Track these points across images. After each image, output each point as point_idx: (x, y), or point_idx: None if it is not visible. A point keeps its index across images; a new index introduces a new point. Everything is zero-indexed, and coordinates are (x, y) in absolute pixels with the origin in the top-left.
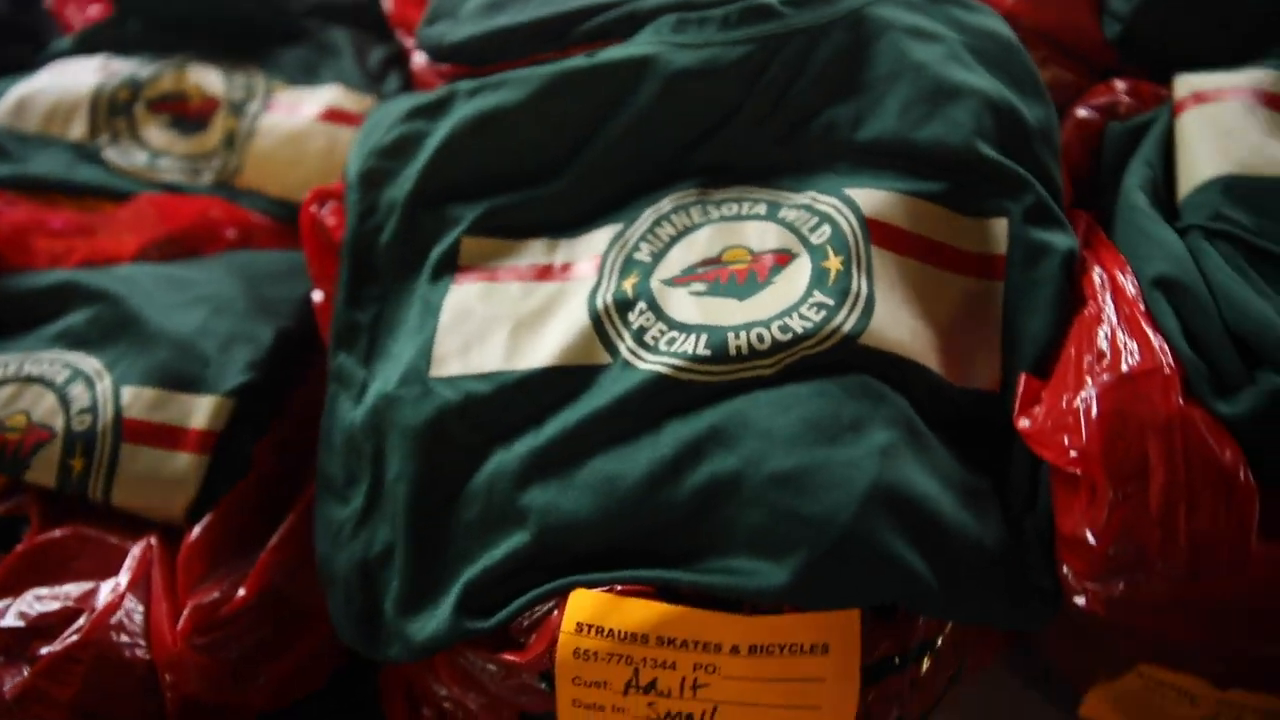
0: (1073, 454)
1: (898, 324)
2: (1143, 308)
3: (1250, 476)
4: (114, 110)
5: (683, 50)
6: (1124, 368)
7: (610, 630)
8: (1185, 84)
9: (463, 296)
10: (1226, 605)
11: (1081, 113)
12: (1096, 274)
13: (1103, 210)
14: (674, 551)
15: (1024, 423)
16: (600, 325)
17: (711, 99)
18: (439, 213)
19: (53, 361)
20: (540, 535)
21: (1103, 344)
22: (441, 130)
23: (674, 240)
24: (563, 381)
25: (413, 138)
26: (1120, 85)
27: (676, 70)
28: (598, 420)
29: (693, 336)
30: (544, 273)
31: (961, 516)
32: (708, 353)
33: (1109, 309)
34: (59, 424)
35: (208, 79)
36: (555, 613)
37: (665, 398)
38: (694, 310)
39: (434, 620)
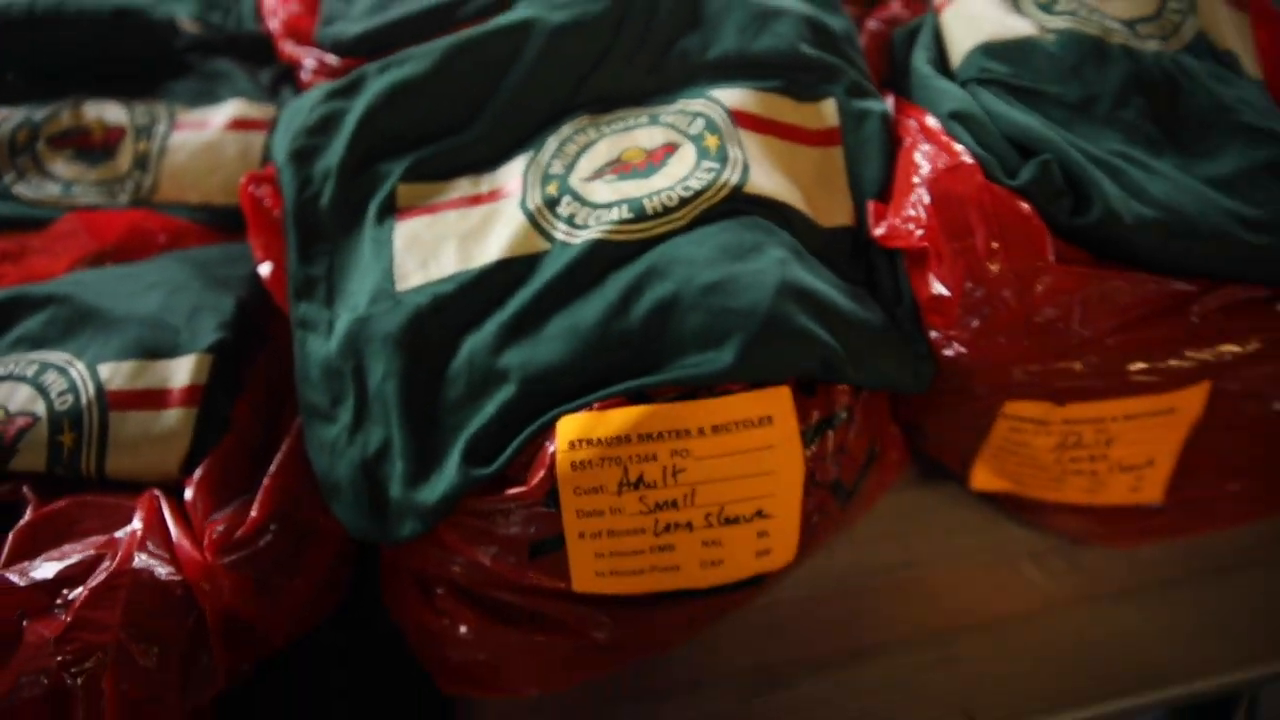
0: (919, 234)
1: (771, 179)
2: (945, 134)
3: (1040, 219)
4: (15, 150)
5: (556, 10)
6: (940, 166)
7: (598, 439)
8: None
9: (410, 228)
10: (1044, 321)
11: (872, 25)
12: (909, 123)
13: (900, 93)
14: (638, 368)
15: (879, 230)
16: (535, 221)
17: (586, 45)
18: (370, 171)
19: (17, 361)
20: (523, 385)
21: (921, 160)
22: (360, 104)
23: (579, 154)
24: (514, 269)
25: (334, 115)
26: (895, 3)
27: (554, 26)
28: (552, 288)
29: (615, 209)
30: (475, 199)
31: (850, 305)
32: (631, 215)
33: (921, 139)
34: (40, 408)
35: (108, 112)
36: (548, 445)
37: (603, 257)
38: (610, 193)
39: (443, 481)
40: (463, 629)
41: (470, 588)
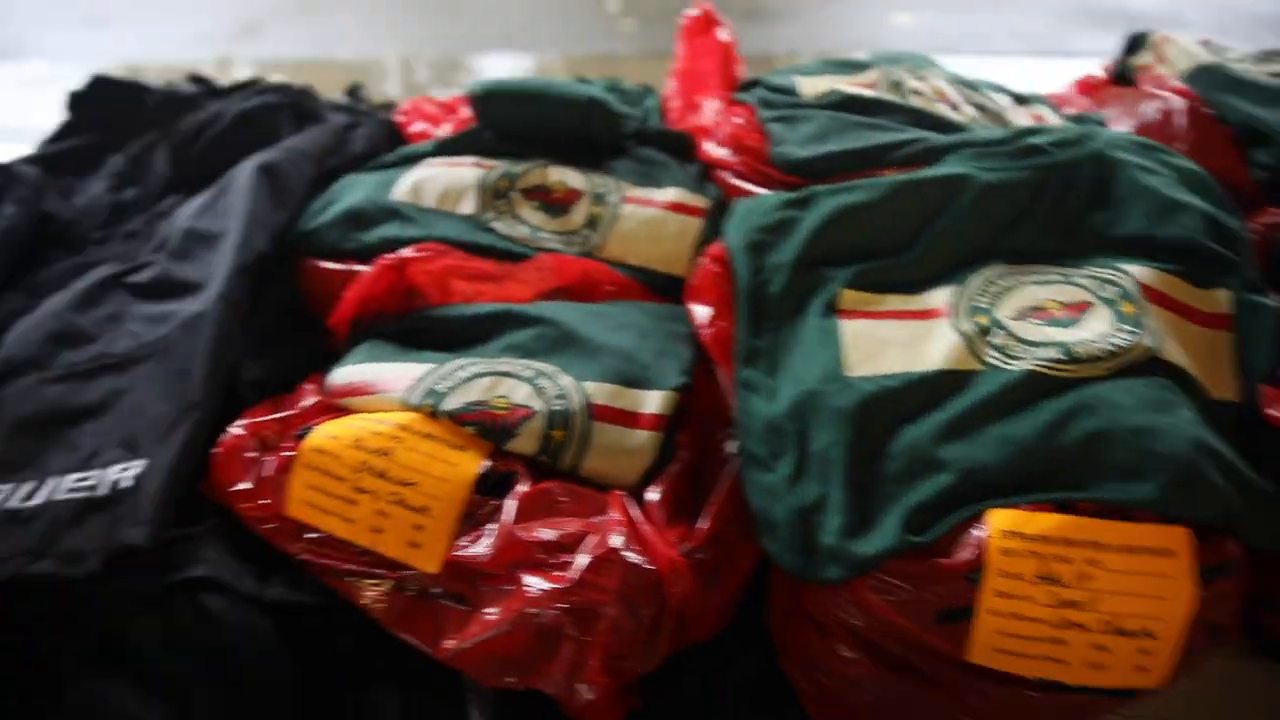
0: None
1: (1175, 349)
2: None
3: None
4: (496, 195)
5: (987, 172)
6: None
7: (1027, 534)
8: None
9: (854, 327)
10: None
11: (1254, 228)
12: None
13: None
14: (1062, 482)
15: (1273, 411)
16: (970, 343)
17: (1010, 204)
18: (815, 272)
19: (513, 365)
20: (963, 475)
21: None
22: (813, 216)
23: (1002, 295)
24: (951, 380)
25: (789, 220)
26: (1272, 211)
27: (985, 184)
28: (991, 401)
29: (1046, 348)
30: (908, 314)
31: (1245, 469)
32: (1064, 357)
33: None
34: (539, 405)
35: (568, 176)
36: (973, 530)
37: (1037, 386)
38: (1038, 334)
39: (879, 539)
40: (853, 670)
41: (865, 635)
